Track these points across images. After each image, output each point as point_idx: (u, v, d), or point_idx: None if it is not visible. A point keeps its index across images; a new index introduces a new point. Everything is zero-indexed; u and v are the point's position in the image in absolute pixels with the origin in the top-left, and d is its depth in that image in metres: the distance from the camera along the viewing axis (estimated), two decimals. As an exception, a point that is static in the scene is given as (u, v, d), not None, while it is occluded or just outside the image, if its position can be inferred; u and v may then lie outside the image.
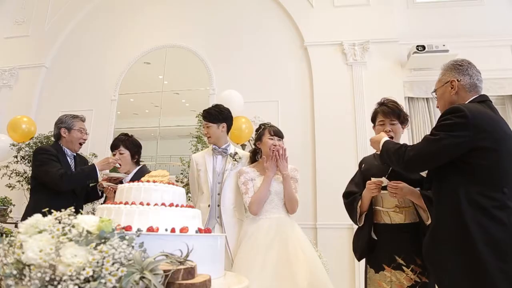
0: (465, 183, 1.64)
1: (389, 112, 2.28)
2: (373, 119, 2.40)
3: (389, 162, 1.96)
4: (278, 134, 2.71)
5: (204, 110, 2.93)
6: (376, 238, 2.17)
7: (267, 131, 2.71)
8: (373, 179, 2.16)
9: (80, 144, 2.98)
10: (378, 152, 2.07)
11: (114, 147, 2.97)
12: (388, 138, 2.07)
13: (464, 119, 1.63)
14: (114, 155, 2.95)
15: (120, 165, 2.84)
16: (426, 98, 4.60)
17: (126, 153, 2.94)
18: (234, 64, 5.06)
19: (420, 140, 1.86)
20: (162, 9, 5.54)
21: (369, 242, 2.18)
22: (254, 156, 2.86)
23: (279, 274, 2.29)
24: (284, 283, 2.27)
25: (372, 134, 2.34)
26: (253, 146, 2.88)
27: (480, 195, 1.59)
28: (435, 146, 1.69)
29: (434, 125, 4.42)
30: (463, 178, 1.65)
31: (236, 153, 2.87)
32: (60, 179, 2.66)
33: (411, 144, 2.19)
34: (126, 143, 2.96)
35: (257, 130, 2.85)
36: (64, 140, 2.93)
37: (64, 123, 2.93)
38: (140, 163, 3.11)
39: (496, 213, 1.56)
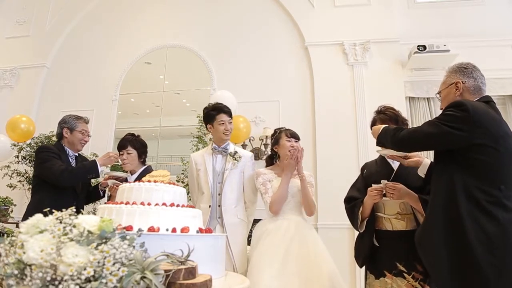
0: (464, 176, 1.66)
1: (386, 119, 2.30)
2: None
3: (384, 140, 1.98)
4: (295, 136, 2.72)
5: (224, 106, 2.91)
6: (378, 244, 2.17)
7: (283, 134, 2.72)
8: (374, 186, 2.16)
9: (82, 145, 2.98)
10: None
11: (121, 147, 2.96)
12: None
13: (466, 113, 1.65)
14: (121, 155, 2.94)
15: (119, 161, 2.85)
16: (427, 98, 4.60)
17: (134, 153, 2.94)
18: (235, 64, 5.06)
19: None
20: (163, 9, 5.54)
21: (370, 249, 2.18)
22: (271, 160, 2.86)
23: (301, 270, 2.29)
24: (305, 280, 2.27)
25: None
26: (270, 151, 2.90)
27: (477, 189, 1.62)
28: (433, 129, 1.72)
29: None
30: (462, 171, 1.67)
31: (236, 152, 2.85)
32: (61, 175, 2.66)
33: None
34: (133, 142, 2.97)
35: (272, 135, 2.85)
36: (65, 140, 2.93)
37: (67, 123, 2.93)
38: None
39: (491, 208, 1.58)
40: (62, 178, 2.67)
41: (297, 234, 2.46)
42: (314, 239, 2.51)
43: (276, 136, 2.78)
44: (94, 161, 2.77)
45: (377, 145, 2.07)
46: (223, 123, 2.84)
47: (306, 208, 2.60)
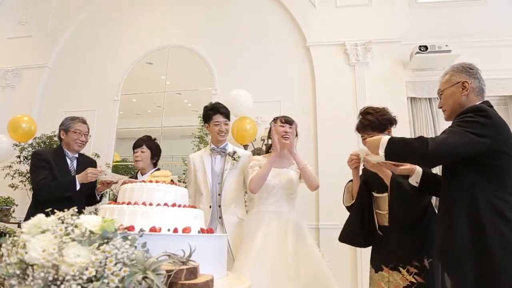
0: (483, 184, 1.63)
1: (360, 128, 2.32)
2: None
3: (403, 154, 1.78)
4: (289, 121, 2.72)
5: (221, 107, 2.92)
6: (381, 233, 2.22)
7: (278, 120, 2.74)
8: (353, 151, 2.23)
9: (78, 145, 2.96)
10: (378, 154, 1.83)
11: (137, 145, 3.10)
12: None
13: (488, 119, 1.63)
14: (135, 153, 3.08)
15: (104, 176, 2.83)
16: (429, 98, 4.59)
17: (147, 152, 3.07)
18: (236, 64, 5.06)
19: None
20: (165, 10, 5.55)
21: (354, 230, 2.28)
22: (268, 150, 2.89)
23: (276, 270, 2.30)
24: (283, 279, 2.28)
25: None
26: (264, 141, 2.92)
27: (496, 197, 1.60)
28: (462, 139, 1.62)
29: (436, 126, 4.35)
30: (480, 179, 1.64)
31: (235, 152, 2.87)
32: (39, 190, 2.74)
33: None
34: (148, 143, 3.12)
35: (270, 123, 2.85)
36: (64, 142, 2.98)
37: (62, 125, 2.97)
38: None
39: (509, 214, 1.57)
40: (39, 193, 2.74)
41: (278, 229, 2.48)
42: (298, 235, 2.50)
43: (271, 123, 2.81)
44: (74, 178, 2.76)
45: (386, 159, 1.84)
46: (218, 124, 2.86)
47: (305, 180, 2.62)
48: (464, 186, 1.68)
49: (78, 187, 2.74)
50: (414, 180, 1.98)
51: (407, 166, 1.98)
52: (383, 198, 2.21)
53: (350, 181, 2.43)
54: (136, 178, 3.01)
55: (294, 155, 2.60)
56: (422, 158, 1.72)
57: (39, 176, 2.76)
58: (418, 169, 1.98)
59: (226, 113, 2.89)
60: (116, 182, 2.91)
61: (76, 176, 2.76)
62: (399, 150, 1.76)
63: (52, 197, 2.65)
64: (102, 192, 3.00)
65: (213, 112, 2.88)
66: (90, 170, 2.75)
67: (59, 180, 2.79)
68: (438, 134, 4.38)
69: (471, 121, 1.65)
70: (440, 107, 1.97)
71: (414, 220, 2.08)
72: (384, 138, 1.79)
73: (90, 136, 3.07)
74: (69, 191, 2.72)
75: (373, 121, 2.25)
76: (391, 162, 1.96)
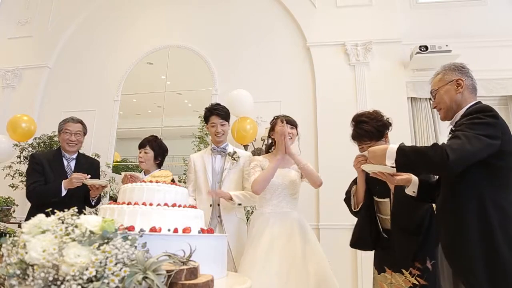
0: (488, 185, 1.61)
1: (356, 137, 2.30)
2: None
3: (417, 165, 1.67)
4: (290, 122, 2.69)
5: (217, 109, 2.92)
6: (386, 236, 2.21)
7: (279, 120, 2.70)
8: (359, 153, 2.14)
9: (69, 145, 2.96)
10: (384, 165, 1.71)
11: (141, 146, 3.10)
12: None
13: (495, 119, 1.62)
14: (139, 153, 3.07)
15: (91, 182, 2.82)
16: (429, 98, 4.57)
17: (151, 153, 3.04)
18: (237, 64, 5.06)
19: (430, 141, 1.75)
20: (165, 10, 5.55)
21: (370, 235, 2.23)
22: (268, 149, 2.86)
23: (283, 272, 2.29)
24: (291, 280, 2.27)
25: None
26: (266, 140, 2.89)
27: (502, 199, 1.59)
28: (478, 144, 1.56)
29: (436, 125, 4.32)
30: (486, 180, 1.62)
31: (235, 152, 2.90)
32: (29, 194, 2.82)
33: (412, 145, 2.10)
34: (152, 143, 3.08)
35: (270, 122, 2.82)
36: (60, 144, 3.02)
37: (58, 127, 3.02)
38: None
39: None
40: (29, 197, 2.83)
41: (283, 230, 2.46)
42: (303, 235, 2.48)
43: (273, 122, 2.78)
44: (60, 183, 2.76)
45: (398, 171, 1.73)
46: (214, 125, 2.89)
47: (307, 178, 2.59)
48: (469, 188, 1.64)
49: (63, 193, 2.74)
50: (411, 190, 1.92)
51: (404, 176, 1.89)
52: (384, 203, 2.19)
53: (354, 185, 2.38)
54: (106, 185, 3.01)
55: (293, 156, 2.56)
56: (442, 169, 1.63)
57: (30, 179, 2.84)
58: (415, 179, 1.91)
59: (222, 115, 2.89)
60: (105, 186, 2.93)
61: (63, 181, 2.76)
62: (413, 160, 1.65)
63: (40, 201, 2.67)
64: (95, 197, 2.99)
65: (210, 113, 2.93)
66: (74, 175, 2.74)
67: (47, 185, 2.83)
68: (438, 134, 4.41)
69: (480, 123, 1.61)
70: (435, 107, 1.95)
71: (416, 223, 2.07)
72: (391, 148, 1.67)
73: (81, 134, 3.03)
74: (55, 196, 2.72)
75: (370, 130, 2.21)
76: (388, 172, 1.85)
